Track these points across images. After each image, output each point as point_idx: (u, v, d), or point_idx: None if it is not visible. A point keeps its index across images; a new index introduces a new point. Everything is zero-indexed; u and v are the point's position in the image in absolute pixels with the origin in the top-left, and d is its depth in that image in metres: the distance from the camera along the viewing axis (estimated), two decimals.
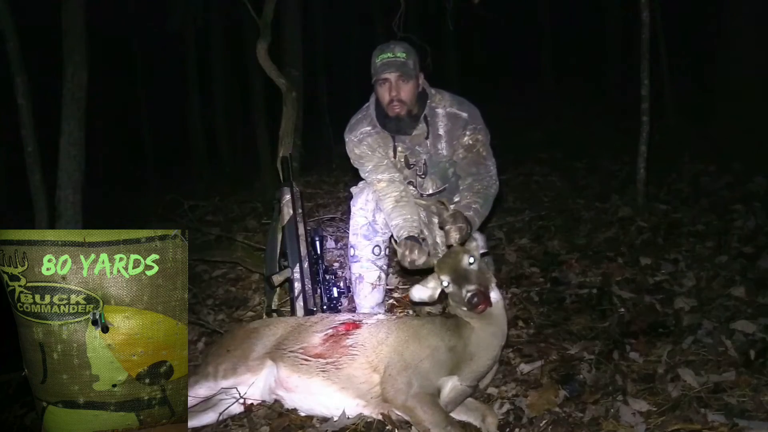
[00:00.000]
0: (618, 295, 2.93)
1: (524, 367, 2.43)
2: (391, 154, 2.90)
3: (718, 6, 6.02)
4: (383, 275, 3.00)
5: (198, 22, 11.81)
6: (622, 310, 2.79)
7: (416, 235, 2.64)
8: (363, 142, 2.89)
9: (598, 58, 11.65)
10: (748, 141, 5.00)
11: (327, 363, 2.22)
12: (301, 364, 2.26)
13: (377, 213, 2.90)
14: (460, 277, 2.11)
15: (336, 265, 3.84)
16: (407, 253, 2.48)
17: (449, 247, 2.31)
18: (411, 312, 3.13)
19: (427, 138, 2.84)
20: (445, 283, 2.18)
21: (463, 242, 2.28)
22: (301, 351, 2.29)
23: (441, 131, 2.85)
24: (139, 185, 12.23)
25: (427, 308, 3.01)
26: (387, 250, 3.01)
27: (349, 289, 3.07)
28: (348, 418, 2.18)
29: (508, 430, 2.09)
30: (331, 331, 2.32)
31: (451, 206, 2.60)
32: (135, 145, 15.06)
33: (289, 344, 2.33)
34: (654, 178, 4.42)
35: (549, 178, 5.70)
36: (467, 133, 2.81)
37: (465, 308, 2.10)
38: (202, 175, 11.33)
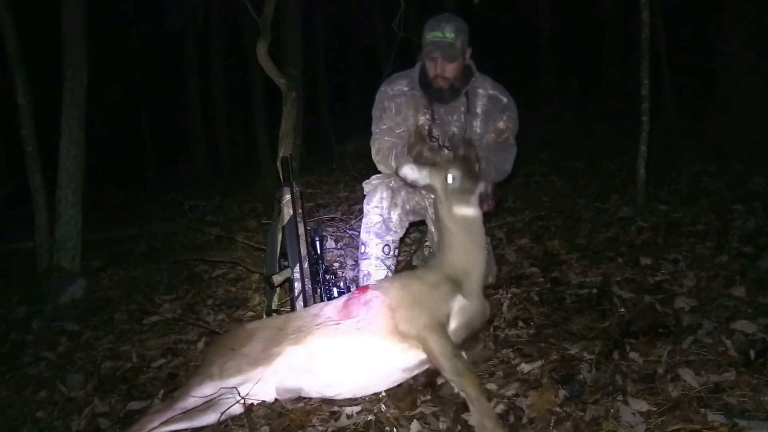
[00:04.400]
0: (618, 295, 2.92)
1: (524, 367, 2.42)
2: (420, 119, 2.99)
3: (718, 6, 6.01)
4: (390, 275, 3.01)
5: (198, 22, 11.83)
6: (622, 310, 2.78)
7: None
8: (395, 98, 3.04)
9: (598, 58, 11.63)
10: (748, 141, 4.99)
11: (356, 320, 2.34)
12: (334, 329, 2.34)
13: (392, 210, 2.96)
14: (473, 174, 2.33)
15: (336, 265, 3.84)
16: (418, 143, 2.52)
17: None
18: None
19: (467, 112, 3.01)
20: (450, 179, 2.35)
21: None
22: (328, 319, 2.38)
23: (479, 110, 3.04)
24: (139, 185, 12.24)
25: None
26: (396, 250, 3.06)
27: (349, 289, 3.07)
28: (348, 417, 2.18)
29: (508, 430, 2.09)
30: (346, 298, 2.50)
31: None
32: (135, 144, 15.05)
33: (312, 322, 2.40)
34: (654, 178, 4.41)
35: (549, 178, 5.68)
36: (503, 117, 3.04)
37: (472, 200, 2.30)
38: (202, 175, 11.33)
